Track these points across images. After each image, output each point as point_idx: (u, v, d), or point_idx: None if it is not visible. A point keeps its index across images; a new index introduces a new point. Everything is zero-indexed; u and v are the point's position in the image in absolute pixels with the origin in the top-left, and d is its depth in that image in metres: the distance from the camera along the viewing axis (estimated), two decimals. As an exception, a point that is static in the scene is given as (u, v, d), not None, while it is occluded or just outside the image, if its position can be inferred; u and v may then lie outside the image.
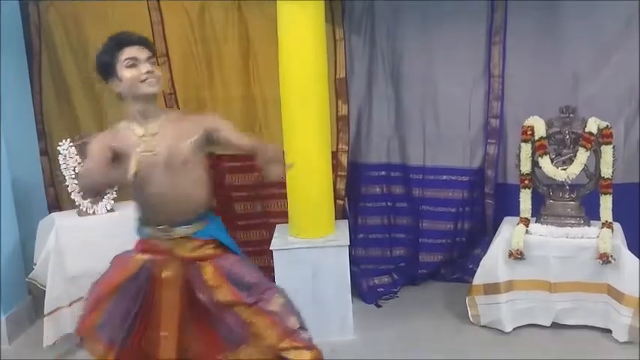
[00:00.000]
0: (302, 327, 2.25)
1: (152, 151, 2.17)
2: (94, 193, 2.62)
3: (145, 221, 2.30)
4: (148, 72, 2.16)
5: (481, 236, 4.08)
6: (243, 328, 2.20)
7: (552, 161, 3.41)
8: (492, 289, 3.39)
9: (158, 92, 2.25)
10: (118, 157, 2.19)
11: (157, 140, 2.19)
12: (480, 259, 3.50)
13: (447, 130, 4.01)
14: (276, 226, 3.73)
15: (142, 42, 2.21)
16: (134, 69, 2.15)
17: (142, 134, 2.20)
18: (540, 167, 3.43)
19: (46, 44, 4.13)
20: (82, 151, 3.53)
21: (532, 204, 3.50)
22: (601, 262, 3.19)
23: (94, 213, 3.54)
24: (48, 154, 4.17)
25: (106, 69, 2.19)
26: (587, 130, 3.32)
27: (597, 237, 3.24)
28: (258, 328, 2.19)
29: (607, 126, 3.33)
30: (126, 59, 2.15)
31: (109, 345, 2.22)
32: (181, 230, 2.26)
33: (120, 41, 2.18)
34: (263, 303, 2.22)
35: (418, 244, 4.14)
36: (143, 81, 2.16)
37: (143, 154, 2.12)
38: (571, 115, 3.41)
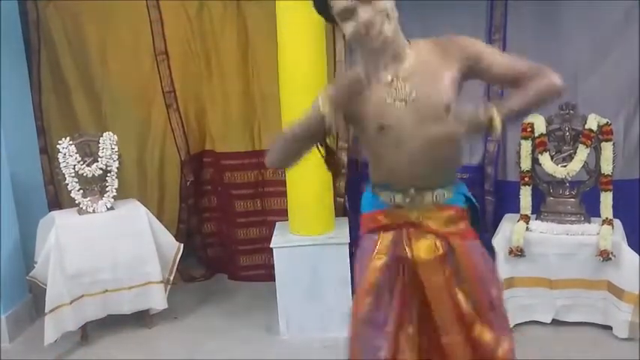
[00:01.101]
0: None
1: (404, 99, 1.80)
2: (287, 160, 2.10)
3: (380, 186, 1.93)
4: (365, 24, 1.73)
5: (481, 233, 4.06)
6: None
7: (552, 158, 3.41)
8: (492, 286, 3.39)
9: (391, 36, 1.80)
10: (354, 117, 1.86)
11: (409, 85, 1.80)
12: (480, 256, 3.50)
13: (446, 127, 4.00)
14: (276, 223, 3.73)
15: None
16: (350, 21, 1.75)
17: (391, 80, 1.81)
18: (540, 164, 3.42)
19: (44, 41, 4.13)
20: (81, 149, 3.53)
21: (532, 201, 3.49)
22: (601, 259, 3.18)
23: (94, 211, 3.53)
24: (47, 152, 4.17)
25: (328, 17, 1.81)
26: (587, 126, 3.32)
27: (597, 234, 3.24)
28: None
29: (607, 122, 3.32)
30: (338, 13, 1.75)
31: None
32: (431, 196, 1.88)
33: None
34: (500, 340, 1.85)
35: (418, 241, 4.12)
36: (366, 34, 1.75)
37: (395, 103, 1.79)
38: (571, 111, 3.40)
